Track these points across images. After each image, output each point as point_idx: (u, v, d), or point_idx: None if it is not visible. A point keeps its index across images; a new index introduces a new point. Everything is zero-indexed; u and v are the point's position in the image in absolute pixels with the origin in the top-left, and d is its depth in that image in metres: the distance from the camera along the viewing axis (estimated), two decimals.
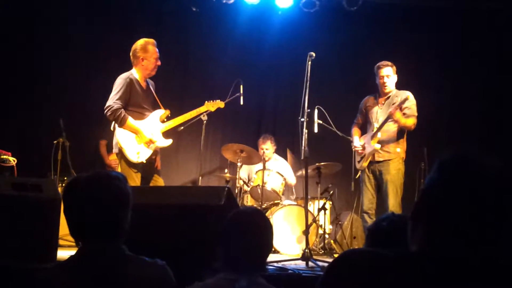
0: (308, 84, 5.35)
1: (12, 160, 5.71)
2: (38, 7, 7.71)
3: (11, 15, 7.53)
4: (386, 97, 6.21)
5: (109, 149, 7.44)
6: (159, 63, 5.65)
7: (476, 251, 1.31)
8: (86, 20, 7.95)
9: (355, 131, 6.46)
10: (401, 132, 6.13)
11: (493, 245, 1.33)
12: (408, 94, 6.02)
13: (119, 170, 7.07)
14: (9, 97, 7.44)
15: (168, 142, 5.74)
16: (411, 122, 6.03)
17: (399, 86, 6.18)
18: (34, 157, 6.82)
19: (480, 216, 1.31)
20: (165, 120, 5.76)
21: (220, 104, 6.19)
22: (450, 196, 1.34)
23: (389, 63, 6.20)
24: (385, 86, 6.19)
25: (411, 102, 6.10)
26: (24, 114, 7.49)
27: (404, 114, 6.05)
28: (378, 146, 6.04)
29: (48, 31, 7.74)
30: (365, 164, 6.18)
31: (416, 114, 6.09)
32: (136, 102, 5.55)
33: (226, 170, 7.78)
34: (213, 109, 6.16)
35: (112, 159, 7.38)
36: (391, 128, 6.11)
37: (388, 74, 6.17)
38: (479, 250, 1.31)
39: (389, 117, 5.99)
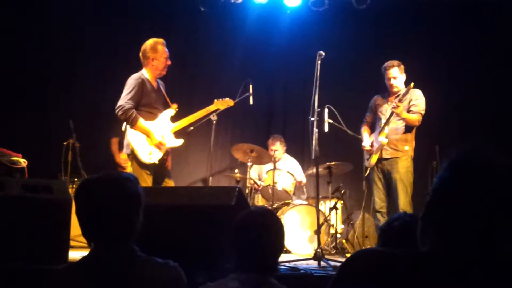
0: (317, 83, 5.33)
1: (23, 162, 5.72)
2: (49, 8, 7.72)
3: (21, 15, 7.55)
4: (395, 95, 6.18)
5: (121, 147, 7.43)
6: (169, 62, 5.66)
7: (489, 250, 1.30)
8: (96, 21, 7.96)
9: (365, 130, 6.45)
10: (409, 129, 6.10)
11: (507, 243, 1.32)
12: (411, 85, 5.93)
13: (129, 169, 7.12)
14: (19, 98, 7.46)
15: (179, 142, 5.75)
16: (415, 118, 6.00)
17: (410, 82, 6.12)
18: (45, 158, 6.82)
19: (493, 214, 1.30)
20: (175, 115, 5.77)
21: (229, 102, 6.18)
22: (462, 195, 1.33)
23: (396, 63, 6.16)
24: (393, 86, 6.18)
25: (419, 99, 6.09)
26: (34, 115, 7.51)
27: (410, 111, 6.03)
28: (385, 140, 6.01)
29: (58, 32, 7.76)
30: (373, 161, 6.15)
31: (422, 111, 6.05)
32: (148, 102, 5.57)
33: (236, 170, 7.77)
34: (222, 108, 6.16)
35: (122, 158, 7.36)
36: (399, 125, 6.10)
37: (395, 76, 6.15)
38: (492, 249, 1.30)
39: (392, 113, 5.97)
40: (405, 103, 6.04)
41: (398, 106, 5.89)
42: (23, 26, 7.56)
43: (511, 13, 7.86)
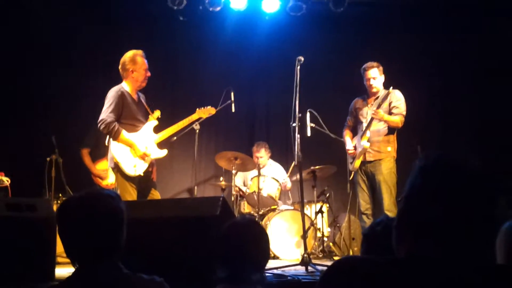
0: (298, 88, 5.35)
1: (6, 181, 5.70)
2: (27, 24, 7.67)
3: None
4: (375, 97, 6.23)
5: (94, 157, 7.38)
6: (148, 74, 5.64)
7: (466, 254, 1.32)
8: (75, 32, 7.90)
9: (347, 134, 6.48)
10: (391, 131, 6.15)
11: (481, 245, 1.35)
12: (390, 89, 5.99)
13: (107, 181, 7.10)
14: None
15: (163, 152, 5.75)
16: (397, 119, 6.05)
17: (390, 83, 6.17)
18: (28, 175, 6.79)
19: (466, 218, 1.32)
20: (159, 124, 5.78)
21: (211, 110, 6.20)
22: (434, 200, 1.35)
23: (375, 64, 6.21)
24: (372, 87, 6.22)
25: (399, 101, 6.13)
26: (15, 132, 7.45)
27: (391, 113, 6.08)
28: (367, 144, 6.05)
29: (38, 47, 7.71)
30: (357, 164, 6.19)
31: (403, 112, 6.10)
32: (129, 114, 5.55)
33: (221, 178, 7.77)
34: (205, 116, 6.17)
35: (100, 169, 7.30)
36: (381, 127, 6.14)
37: (375, 76, 6.20)
38: (469, 252, 1.33)
39: (372, 118, 6.02)
40: (385, 105, 6.08)
41: (377, 113, 5.94)
42: (1, 43, 7.50)
43: (493, 13, 7.93)
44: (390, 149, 6.12)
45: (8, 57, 7.56)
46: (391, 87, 5.97)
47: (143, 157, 5.51)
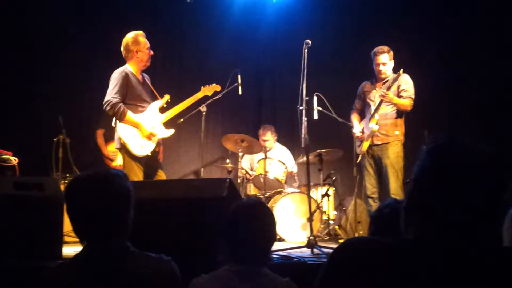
0: (305, 72, 5.33)
1: (14, 160, 5.72)
2: (32, 3, 7.66)
3: (4, 14, 7.49)
4: (383, 81, 6.21)
5: (107, 139, 7.40)
6: (152, 53, 5.66)
7: (474, 237, 1.32)
8: (82, 15, 7.90)
9: (354, 117, 6.47)
10: (399, 114, 6.14)
11: (489, 228, 1.35)
12: (401, 72, 5.98)
13: (116, 162, 7.13)
14: (7, 96, 7.41)
15: (170, 132, 5.76)
16: (406, 103, 6.04)
17: (398, 68, 6.13)
18: (36, 155, 6.81)
19: (475, 201, 1.32)
20: (166, 106, 5.79)
21: (216, 87, 6.20)
22: (443, 183, 1.35)
23: (386, 48, 6.19)
24: (381, 72, 6.21)
25: (408, 84, 6.12)
26: (23, 113, 7.46)
27: (400, 96, 6.06)
28: (376, 127, 6.04)
29: (45, 29, 7.69)
30: (364, 147, 6.18)
31: (412, 95, 6.09)
32: (134, 95, 5.56)
33: (227, 160, 7.78)
34: (210, 93, 6.17)
35: (110, 150, 7.33)
36: (389, 110, 6.13)
37: (385, 62, 6.18)
38: (475, 236, 1.33)
39: (382, 100, 6.00)
40: (393, 88, 6.06)
41: (386, 95, 5.92)
42: (8, 24, 7.49)
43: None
44: (398, 132, 6.11)
45: (15, 38, 7.56)
46: (401, 70, 5.94)
47: (149, 137, 5.52)
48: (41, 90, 7.62)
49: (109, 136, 7.33)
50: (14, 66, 7.50)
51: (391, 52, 6.21)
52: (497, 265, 1.31)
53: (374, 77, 6.34)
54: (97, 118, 7.47)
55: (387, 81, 6.14)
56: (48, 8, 7.64)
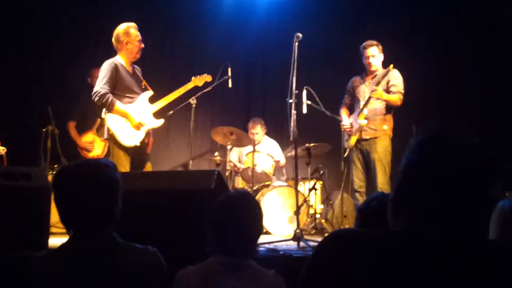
0: (295, 65, 5.34)
1: (1, 149, 5.70)
2: None
3: None
4: (373, 76, 6.24)
5: (80, 131, 7.34)
6: (142, 45, 5.69)
7: (459, 228, 1.33)
8: (71, 5, 7.85)
9: (343, 111, 6.49)
10: (388, 109, 6.16)
11: (476, 221, 1.36)
12: (391, 67, 5.99)
13: (93, 153, 7.11)
14: None
15: (160, 122, 5.77)
16: (396, 98, 6.06)
17: (388, 62, 6.14)
18: (24, 145, 6.76)
19: (462, 194, 1.33)
20: (156, 96, 5.80)
21: (207, 78, 6.20)
22: (430, 175, 1.35)
23: (375, 42, 6.23)
24: (371, 65, 6.23)
25: (397, 80, 6.14)
26: (12, 102, 7.42)
27: (390, 91, 6.08)
28: (364, 121, 6.07)
29: (34, 19, 7.65)
30: (352, 141, 6.20)
31: (401, 90, 6.12)
32: (124, 86, 5.58)
33: (216, 153, 7.78)
34: (200, 84, 6.16)
35: (86, 141, 7.27)
36: (378, 105, 6.14)
37: (374, 54, 6.21)
38: (462, 227, 1.34)
39: (371, 96, 6.02)
40: (383, 83, 6.09)
41: (376, 91, 5.94)
42: None
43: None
44: (386, 127, 6.13)
45: (5, 27, 7.51)
46: (391, 65, 5.96)
47: (138, 126, 5.53)
48: (30, 79, 7.57)
49: (83, 127, 7.30)
50: (3, 56, 7.44)
51: (380, 46, 6.24)
52: (483, 258, 1.31)
53: (364, 71, 6.35)
54: (68, 111, 7.40)
55: (376, 75, 6.16)
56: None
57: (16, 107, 7.35)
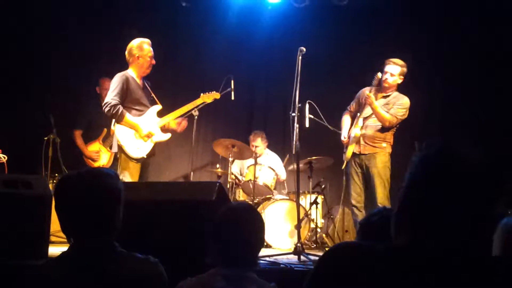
0: (298, 78, 5.35)
1: (3, 157, 5.70)
2: (30, 2, 7.65)
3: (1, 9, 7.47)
4: (385, 95, 6.15)
5: (86, 140, 7.35)
6: (153, 62, 5.81)
7: (462, 244, 1.33)
8: (77, 16, 7.89)
9: (345, 118, 6.40)
10: (389, 128, 6.11)
11: (479, 237, 1.35)
12: (377, 76, 5.97)
13: (99, 162, 7.14)
14: None
15: (167, 136, 5.85)
16: (387, 117, 5.98)
17: (406, 87, 6.07)
18: (25, 154, 6.77)
19: (467, 209, 1.33)
20: (163, 110, 5.88)
21: (216, 95, 6.22)
22: (434, 190, 1.35)
23: (400, 62, 6.06)
24: (385, 81, 6.08)
25: (402, 105, 6.04)
26: (14, 110, 7.43)
27: (388, 110, 6.02)
28: (358, 132, 6.04)
29: (40, 27, 7.69)
30: (348, 153, 6.12)
31: (398, 116, 6.01)
32: (134, 99, 5.69)
33: (217, 165, 7.78)
34: (209, 101, 6.18)
35: (92, 150, 7.28)
36: (378, 123, 6.09)
37: (392, 73, 6.05)
38: (465, 243, 1.33)
39: (366, 105, 5.98)
40: (388, 99, 6.06)
41: (369, 97, 5.91)
42: (2, 21, 7.47)
43: (494, 12, 7.88)
44: (386, 145, 6.07)
45: (8, 35, 7.54)
46: (404, 97, 5.96)
47: (148, 136, 5.63)
48: (32, 87, 7.59)
49: (89, 136, 7.31)
50: (3, 62, 7.46)
51: (404, 69, 6.07)
52: (486, 274, 1.31)
53: (380, 85, 6.20)
54: (75, 119, 7.42)
55: (389, 96, 6.12)
56: (45, 7, 7.62)
57: (17, 115, 7.36)
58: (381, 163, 6.03)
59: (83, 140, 7.35)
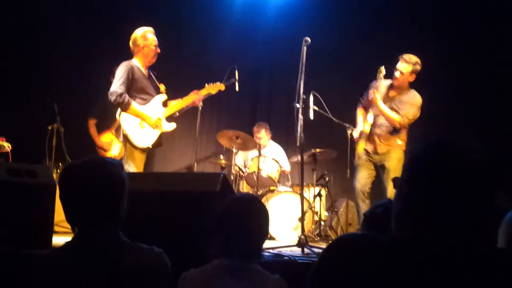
0: (303, 69, 5.30)
1: (7, 146, 5.70)
2: None
3: (5, 2, 7.46)
4: (397, 90, 6.07)
5: (99, 129, 7.36)
6: (158, 50, 5.84)
7: (463, 237, 1.32)
8: (81, 6, 7.88)
9: (359, 111, 6.34)
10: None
11: (482, 230, 1.35)
12: (380, 69, 5.90)
13: (110, 153, 7.14)
14: (2, 83, 7.37)
15: (172, 126, 5.86)
16: (395, 118, 5.94)
17: (418, 84, 6.03)
18: (29, 143, 6.77)
19: (468, 202, 1.32)
20: (167, 99, 5.90)
21: (220, 86, 6.22)
22: (435, 184, 1.35)
23: (412, 60, 5.91)
24: (395, 78, 6.02)
25: (413, 105, 5.98)
26: (18, 99, 7.43)
27: (397, 109, 5.97)
28: (367, 128, 6.02)
29: (42, 16, 7.67)
30: (360, 149, 6.09)
31: (409, 116, 5.96)
32: (139, 87, 5.71)
33: (221, 157, 7.77)
34: (214, 92, 6.19)
35: (104, 141, 7.29)
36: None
37: (402, 71, 5.94)
38: (466, 237, 1.33)
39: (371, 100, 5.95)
40: (401, 97, 6.00)
41: (373, 94, 5.87)
42: (3, 10, 7.45)
43: (494, 12, 7.84)
44: (401, 142, 6.03)
45: (12, 24, 7.53)
46: (418, 96, 5.88)
47: (154, 125, 5.65)
48: (36, 76, 7.58)
49: (102, 125, 7.31)
50: (7, 51, 7.45)
51: (417, 67, 5.94)
52: (490, 268, 1.31)
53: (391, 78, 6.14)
54: (89, 108, 7.43)
55: (400, 93, 6.04)
56: (45, 7, 7.62)
57: (22, 104, 7.36)
58: (396, 158, 5.98)
59: (97, 129, 7.36)
